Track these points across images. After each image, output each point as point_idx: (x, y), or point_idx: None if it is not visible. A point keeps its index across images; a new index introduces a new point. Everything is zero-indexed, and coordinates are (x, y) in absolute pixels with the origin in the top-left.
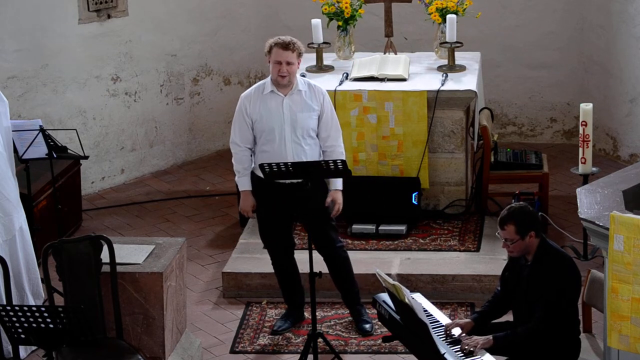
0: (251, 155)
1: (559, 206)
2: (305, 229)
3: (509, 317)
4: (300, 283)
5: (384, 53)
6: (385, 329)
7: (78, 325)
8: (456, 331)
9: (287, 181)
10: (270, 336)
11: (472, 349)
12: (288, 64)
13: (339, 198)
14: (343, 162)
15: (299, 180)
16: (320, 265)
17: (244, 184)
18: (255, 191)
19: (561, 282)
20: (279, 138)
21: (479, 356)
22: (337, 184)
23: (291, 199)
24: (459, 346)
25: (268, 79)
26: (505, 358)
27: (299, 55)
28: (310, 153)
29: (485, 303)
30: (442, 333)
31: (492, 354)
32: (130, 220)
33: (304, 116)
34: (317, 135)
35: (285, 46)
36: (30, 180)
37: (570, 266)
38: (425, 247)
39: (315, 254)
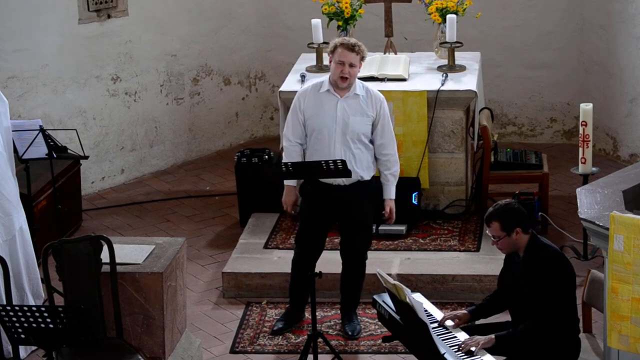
0: (302, 151)
1: (559, 206)
2: (339, 231)
3: (508, 316)
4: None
5: (384, 53)
6: (385, 329)
7: (78, 325)
8: (450, 323)
9: (331, 181)
10: (270, 336)
11: (472, 348)
12: (351, 65)
13: (393, 206)
14: (343, 162)
15: (341, 182)
16: (321, 265)
17: None
18: (302, 190)
19: (553, 278)
20: (328, 138)
21: (479, 356)
22: (390, 193)
23: (333, 199)
24: (458, 345)
25: (326, 78)
26: (505, 358)
27: (362, 59)
28: (360, 157)
29: (487, 297)
30: (442, 332)
31: (492, 354)
32: (130, 220)
33: (357, 120)
34: (371, 142)
35: (351, 48)
36: (30, 180)
37: (561, 261)
38: (425, 247)
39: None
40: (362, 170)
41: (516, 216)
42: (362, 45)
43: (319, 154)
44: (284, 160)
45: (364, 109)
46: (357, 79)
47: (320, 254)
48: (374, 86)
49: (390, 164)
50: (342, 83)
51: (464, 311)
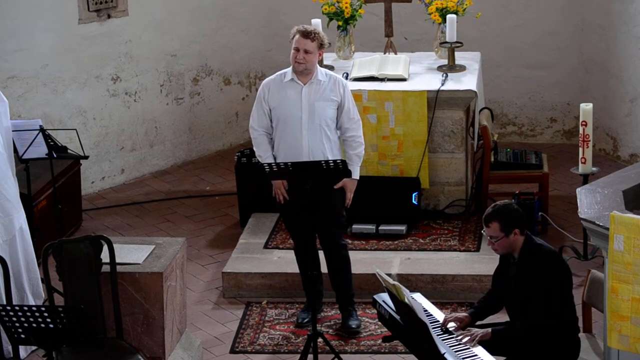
0: (269, 139)
1: (559, 206)
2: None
3: (505, 316)
4: (320, 276)
5: (384, 53)
6: (385, 329)
7: (78, 325)
8: (452, 325)
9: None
10: (270, 336)
11: (469, 338)
12: (306, 52)
13: (351, 186)
14: (343, 162)
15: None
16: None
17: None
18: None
19: (548, 278)
20: (296, 126)
21: (478, 356)
22: (355, 173)
23: (300, 188)
24: (455, 338)
25: (290, 68)
26: (504, 358)
27: (320, 46)
28: (329, 143)
29: (481, 299)
30: (442, 332)
31: (491, 354)
32: (130, 220)
33: (322, 105)
34: (337, 126)
35: (306, 34)
36: (30, 180)
37: (556, 261)
38: (425, 247)
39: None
40: (333, 157)
41: (515, 217)
42: (320, 33)
43: (285, 143)
44: (257, 152)
45: (327, 94)
46: (319, 67)
47: (314, 239)
48: (374, 86)
49: (356, 145)
50: (297, 67)
51: (465, 314)
